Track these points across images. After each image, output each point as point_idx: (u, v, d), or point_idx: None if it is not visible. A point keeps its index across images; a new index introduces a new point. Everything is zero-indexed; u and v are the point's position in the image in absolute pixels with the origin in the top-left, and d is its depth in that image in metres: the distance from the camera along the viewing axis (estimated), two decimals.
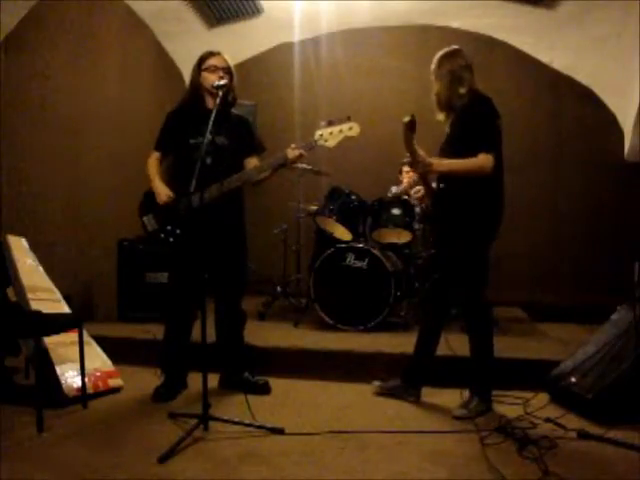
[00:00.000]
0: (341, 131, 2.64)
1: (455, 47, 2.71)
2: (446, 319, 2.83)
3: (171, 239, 2.76)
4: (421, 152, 2.55)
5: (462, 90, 2.62)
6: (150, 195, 2.81)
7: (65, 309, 3.02)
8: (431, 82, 2.72)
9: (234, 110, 2.91)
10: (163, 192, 2.76)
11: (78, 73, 4.15)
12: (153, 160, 2.89)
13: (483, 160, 2.48)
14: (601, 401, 2.52)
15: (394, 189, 4.71)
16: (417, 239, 4.32)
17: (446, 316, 2.82)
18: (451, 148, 2.60)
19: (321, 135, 2.65)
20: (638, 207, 5.18)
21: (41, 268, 3.09)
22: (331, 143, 2.65)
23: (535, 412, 2.58)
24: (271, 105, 5.74)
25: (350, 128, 2.64)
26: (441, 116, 2.74)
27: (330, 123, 2.65)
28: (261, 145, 2.96)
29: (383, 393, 2.88)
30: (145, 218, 2.83)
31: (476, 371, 2.68)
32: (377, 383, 2.93)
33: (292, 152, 2.67)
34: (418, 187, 2.92)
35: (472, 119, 2.53)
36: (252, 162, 2.86)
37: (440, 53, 2.71)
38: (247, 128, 2.93)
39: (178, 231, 2.75)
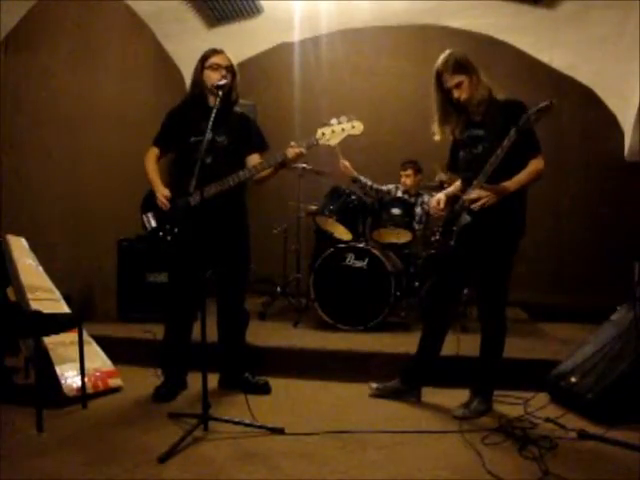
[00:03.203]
0: (343, 129, 2.63)
1: (456, 50, 2.62)
2: (452, 319, 2.81)
3: (169, 238, 2.76)
4: (487, 187, 2.48)
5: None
6: (152, 193, 2.80)
7: (65, 309, 3.02)
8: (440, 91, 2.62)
9: (236, 108, 2.90)
10: (161, 194, 2.75)
11: (78, 73, 4.14)
12: (152, 157, 2.87)
13: (539, 165, 2.52)
14: (601, 401, 2.52)
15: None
16: (417, 239, 4.33)
17: (453, 316, 2.80)
18: (501, 155, 2.45)
19: (323, 134, 2.64)
20: (638, 207, 5.18)
21: (41, 268, 3.09)
22: (333, 142, 2.64)
23: (535, 412, 2.58)
24: (271, 105, 5.73)
25: (353, 127, 2.64)
26: (443, 130, 2.69)
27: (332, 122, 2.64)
28: (264, 142, 2.93)
29: (381, 396, 2.85)
30: (145, 216, 2.83)
31: (482, 371, 2.68)
32: (374, 385, 2.90)
33: (291, 150, 2.66)
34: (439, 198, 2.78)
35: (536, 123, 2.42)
36: (254, 159, 2.84)
37: (456, 57, 2.56)
38: (248, 126, 2.92)
39: (176, 230, 2.75)
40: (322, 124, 2.66)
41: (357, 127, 2.64)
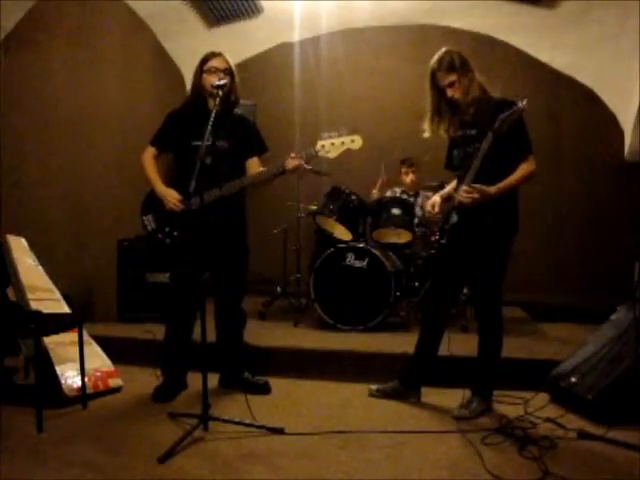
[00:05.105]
0: (343, 143, 2.66)
1: (451, 49, 2.62)
2: (448, 319, 2.82)
3: (168, 240, 2.76)
4: (476, 187, 2.46)
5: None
6: (152, 195, 2.81)
7: (65, 309, 3.02)
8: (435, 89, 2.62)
9: (237, 110, 2.90)
10: (173, 198, 2.74)
11: (78, 73, 4.14)
12: (149, 156, 2.86)
13: (530, 166, 2.50)
14: (601, 401, 2.52)
15: (396, 190, 4.71)
16: (417, 239, 4.32)
17: (448, 316, 2.81)
18: (488, 153, 2.46)
19: (323, 146, 2.66)
20: (638, 207, 5.18)
21: (41, 268, 3.09)
22: (332, 154, 2.67)
23: (535, 412, 2.58)
24: (271, 105, 5.73)
25: (352, 141, 2.66)
26: (433, 128, 2.69)
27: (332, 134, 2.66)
28: (263, 145, 2.94)
29: (381, 397, 2.85)
30: (145, 218, 2.83)
31: (481, 371, 2.67)
32: (373, 387, 2.90)
33: (291, 162, 2.67)
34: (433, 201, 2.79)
35: (512, 126, 2.41)
36: (253, 163, 2.86)
37: (450, 56, 2.56)
38: (248, 129, 2.92)
39: (175, 233, 2.75)
40: (322, 136, 2.67)
41: (357, 142, 2.66)
